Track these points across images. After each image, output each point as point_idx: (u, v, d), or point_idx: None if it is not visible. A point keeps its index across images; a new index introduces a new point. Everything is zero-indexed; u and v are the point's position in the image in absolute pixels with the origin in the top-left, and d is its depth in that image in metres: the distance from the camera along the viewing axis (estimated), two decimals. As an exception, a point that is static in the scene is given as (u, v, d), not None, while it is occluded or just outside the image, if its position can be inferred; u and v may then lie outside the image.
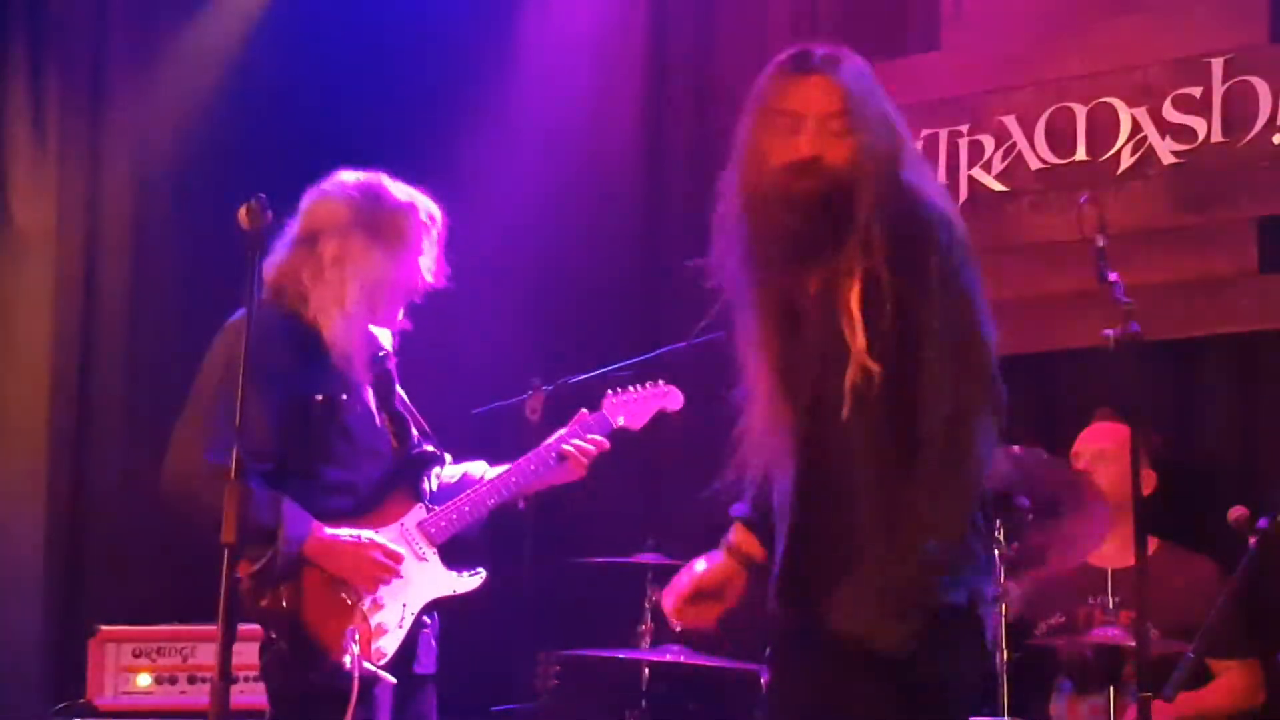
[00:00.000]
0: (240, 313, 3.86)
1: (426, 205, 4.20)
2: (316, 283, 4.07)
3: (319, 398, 3.99)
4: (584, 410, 4.39)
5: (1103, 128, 5.67)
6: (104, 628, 5.56)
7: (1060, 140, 5.74)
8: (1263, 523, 3.94)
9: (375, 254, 4.07)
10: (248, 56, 6.99)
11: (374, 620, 3.97)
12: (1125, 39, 5.68)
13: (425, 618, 4.10)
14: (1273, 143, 5.37)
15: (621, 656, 5.37)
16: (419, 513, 4.13)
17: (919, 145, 5.90)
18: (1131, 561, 4.78)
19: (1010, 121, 5.83)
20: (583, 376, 4.79)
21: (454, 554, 4.16)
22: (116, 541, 6.53)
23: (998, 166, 5.84)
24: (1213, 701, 4.86)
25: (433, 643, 4.15)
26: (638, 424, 4.45)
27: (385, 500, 4.10)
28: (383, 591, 4.00)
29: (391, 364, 4.24)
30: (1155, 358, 4.59)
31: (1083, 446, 5.14)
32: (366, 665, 3.86)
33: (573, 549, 5.85)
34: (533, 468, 4.25)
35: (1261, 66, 5.42)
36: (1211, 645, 3.71)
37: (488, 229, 6.96)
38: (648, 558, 5.46)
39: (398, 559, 4.02)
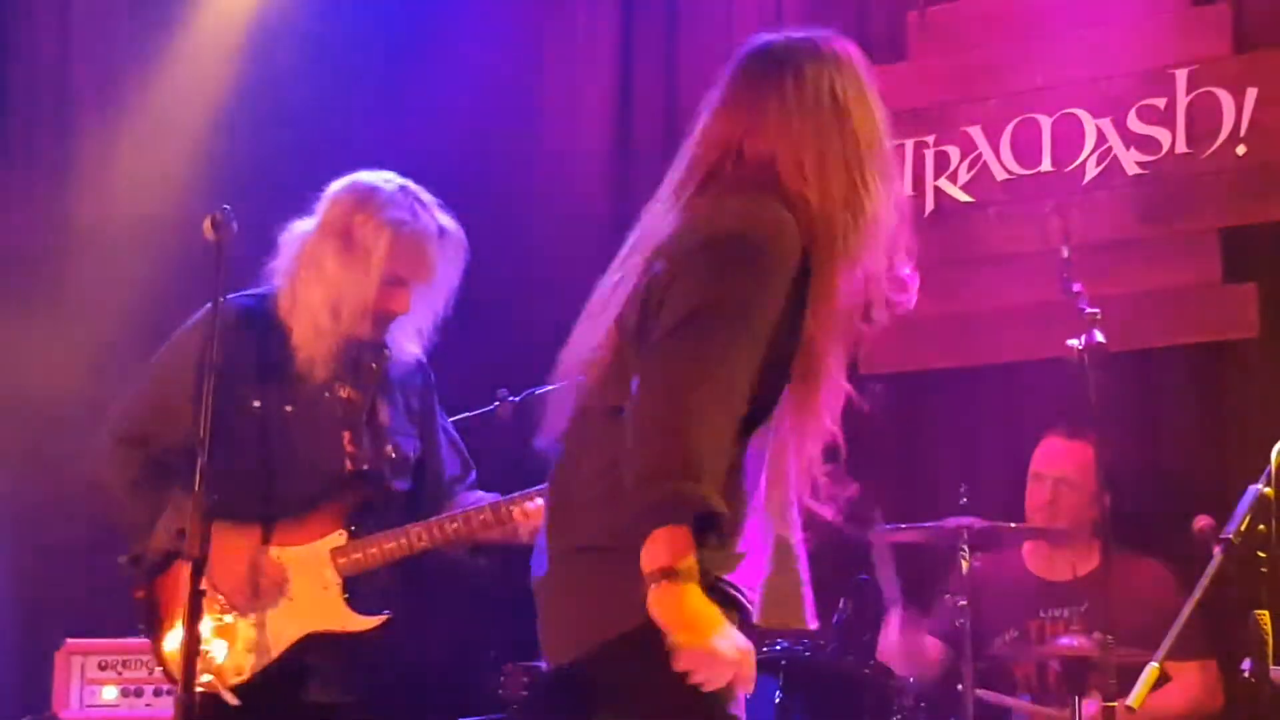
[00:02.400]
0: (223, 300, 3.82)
1: (417, 228, 4.00)
2: (295, 281, 4.02)
3: (256, 404, 3.92)
4: None
5: (1068, 139, 5.69)
6: (70, 640, 5.54)
7: (1026, 151, 5.76)
8: (1226, 532, 3.96)
9: (338, 264, 3.95)
10: (221, 68, 6.98)
11: (246, 636, 3.85)
12: (1090, 50, 5.70)
13: (314, 649, 3.89)
14: (1236, 154, 5.40)
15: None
16: (337, 539, 3.94)
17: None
18: (1082, 572, 4.84)
19: (976, 132, 5.85)
20: (551, 388, 4.79)
21: (363, 590, 3.95)
22: (83, 553, 6.50)
23: (963, 177, 5.86)
24: (1170, 704, 4.86)
25: (353, 669, 3.98)
26: None
27: (310, 517, 3.95)
28: (269, 611, 3.86)
29: (395, 374, 4.12)
30: (1119, 368, 4.61)
31: (1044, 469, 5.13)
32: (204, 678, 3.71)
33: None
34: (476, 522, 3.99)
35: (1225, 78, 5.45)
36: (1170, 650, 3.72)
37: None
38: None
39: (278, 582, 3.87)
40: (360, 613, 3.92)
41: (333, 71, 7.04)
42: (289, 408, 3.94)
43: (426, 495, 4.15)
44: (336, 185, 4.07)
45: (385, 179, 4.05)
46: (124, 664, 5.43)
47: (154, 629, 3.94)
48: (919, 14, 6.04)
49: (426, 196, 4.07)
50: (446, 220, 4.07)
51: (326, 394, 4.00)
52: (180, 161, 6.87)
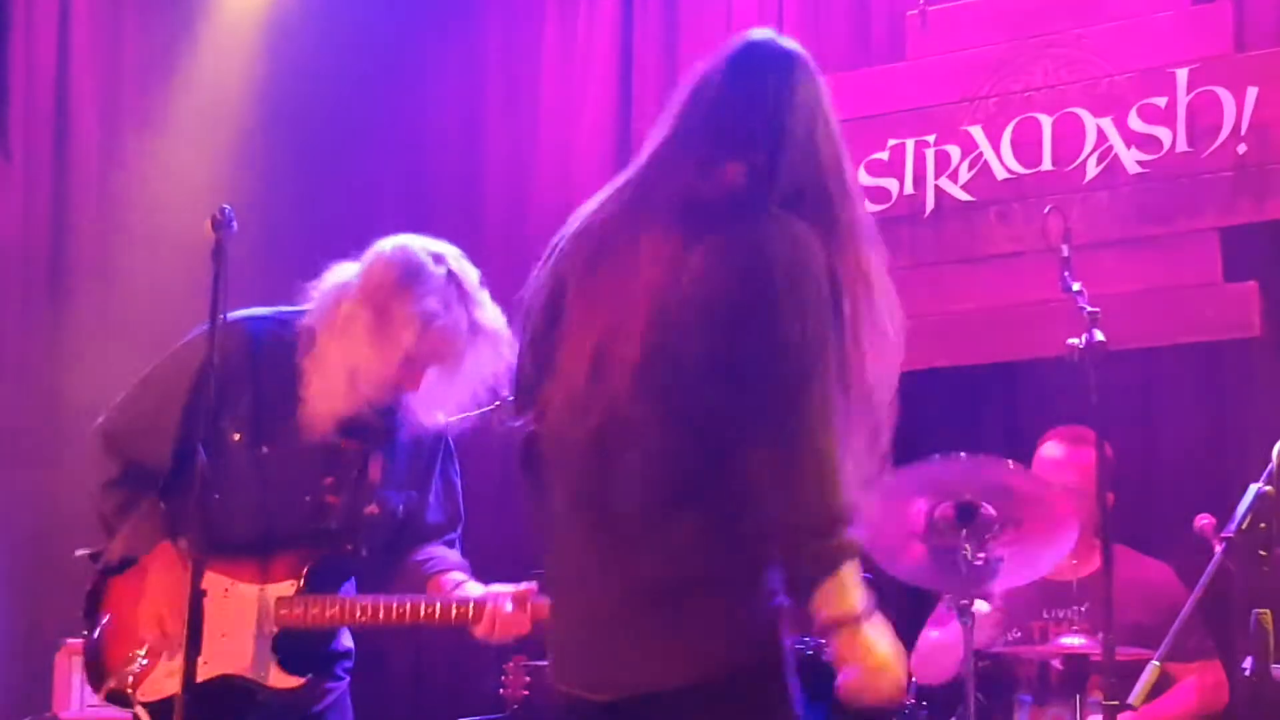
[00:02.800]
0: (234, 319, 3.87)
1: (447, 323, 3.90)
2: (322, 330, 3.95)
3: (235, 437, 3.88)
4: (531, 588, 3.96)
5: (1068, 138, 5.69)
6: (69, 641, 5.54)
7: (1026, 150, 5.76)
8: (1228, 531, 3.96)
9: (367, 337, 3.87)
10: (218, 66, 6.98)
11: (170, 662, 3.82)
12: (1091, 49, 5.71)
13: (232, 691, 3.84)
14: (1237, 153, 5.40)
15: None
16: (287, 589, 3.89)
17: (886, 155, 5.96)
18: (1084, 573, 4.83)
19: (976, 131, 5.85)
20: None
21: (297, 647, 3.89)
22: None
23: (964, 177, 5.86)
24: (1176, 709, 4.86)
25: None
26: None
27: (269, 557, 3.90)
28: (206, 641, 3.72)
29: (403, 434, 4.03)
30: (1120, 367, 4.61)
31: (1049, 476, 5.12)
32: (127, 690, 3.80)
33: (540, 560, 5.85)
34: (424, 614, 3.90)
35: (1226, 77, 5.45)
36: (1172, 649, 3.72)
37: (455, 236, 6.99)
38: (616, 568, 5.45)
39: (219, 615, 3.80)
40: (285, 670, 3.87)
41: (337, 73, 7.06)
42: (265, 449, 3.89)
43: (404, 540, 4.08)
44: (388, 247, 3.97)
45: (436, 258, 3.95)
46: (124, 664, 5.42)
47: (90, 625, 3.95)
48: (919, 13, 6.04)
49: (472, 282, 3.97)
50: (486, 315, 3.95)
51: (320, 440, 3.93)
52: (187, 161, 6.89)
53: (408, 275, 3.91)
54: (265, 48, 7.03)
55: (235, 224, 3.56)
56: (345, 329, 3.89)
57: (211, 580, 3.71)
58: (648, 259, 2.87)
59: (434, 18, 7.13)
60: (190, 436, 3.72)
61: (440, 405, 4.00)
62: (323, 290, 3.98)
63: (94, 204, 6.77)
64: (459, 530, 4.19)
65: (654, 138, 3.06)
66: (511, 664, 5.63)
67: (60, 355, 6.64)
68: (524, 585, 3.90)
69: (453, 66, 7.13)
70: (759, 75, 3.04)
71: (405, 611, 3.88)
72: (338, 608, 3.88)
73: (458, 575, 4.02)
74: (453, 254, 3.99)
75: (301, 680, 3.85)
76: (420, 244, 3.97)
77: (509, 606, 3.87)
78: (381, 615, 3.87)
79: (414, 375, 3.92)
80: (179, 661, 3.56)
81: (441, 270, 3.93)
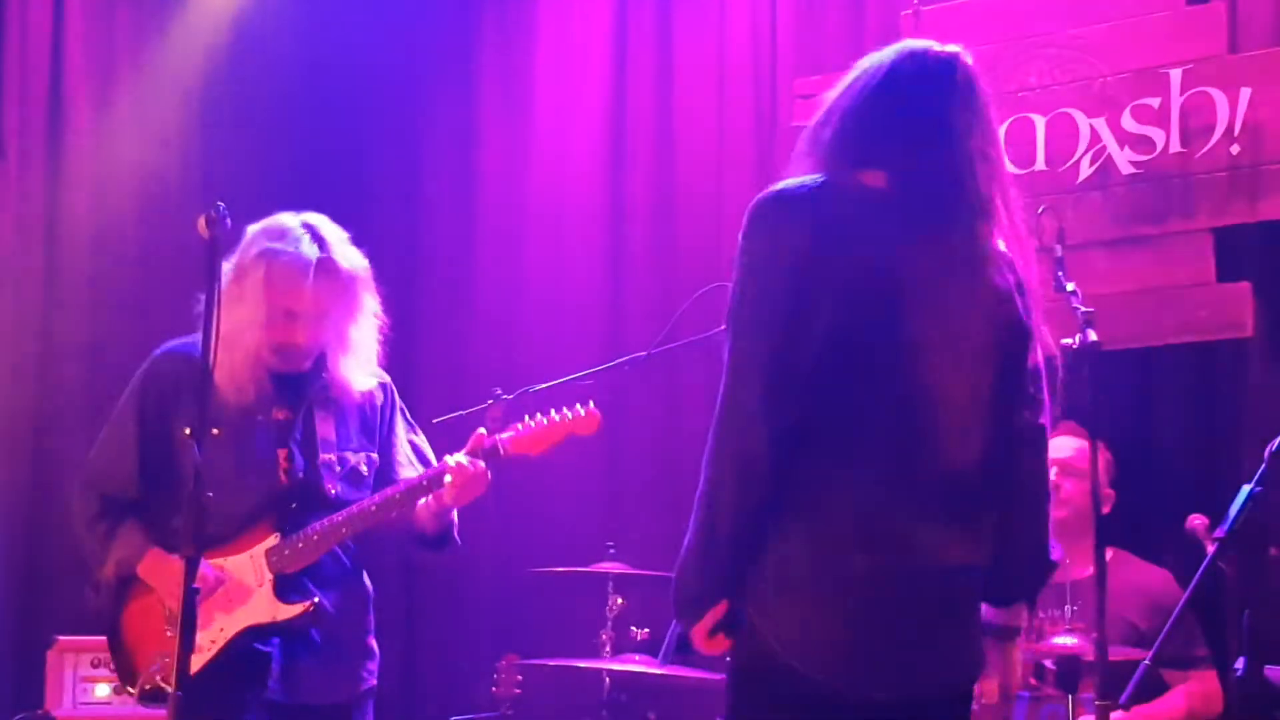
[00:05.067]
0: (163, 349, 4.18)
1: (288, 259, 4.04)
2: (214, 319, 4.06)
3: (186, 431, 3.97)
4: (480, 432, 4.23)
5: (1062, 138, 5.70)
6: (62, 638, 5.53)
7: (1020, 150, 5.75)
8: (1220, 531, 3.96)
9: (234, 298, 3.99)
10: (211, 67, 6.98)
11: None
12: (1084, 49, 5.70)
13: (258, 644, 4.09)
14: (1230, 153, 5.40)
15: (583, 665, 5.37)
16: (271, 541, 4.11)
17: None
18: (1083, 573, 4.83)
19: (970, 131, 5.84)
20: (544, 385, 4.79)
21: (293, 582, 4.12)
22: (75, 551, 6.49)
23: (958, 176, 5.85)
24: (1163, 712, 4.87)
25: (317, 672, 4.14)
26: (537, 450, 4.24)
27: (247, 529, 4.12)
28: (213, 613, 4.03)
29: (343, 397, 4.22)
30: (1113, 367, 4.61)
31: (1052, 460, 5.14)
32: (159, 683, 3.99)
33: (534, 558, 5.86)
34: (397, 494, 4.15)
35: (1219, 77, 5.45)
36: (1167, 657, 3.73)
37: (449, 238, 7.00)
38: (609, 566, 5.46)
39: (216, 588, 4.04)
40: (290, 603, 4.09)
41: (333, 77, 7.07)
42: (215, 430, 4.02)
43: None
44: (252, 225, 4.17)
45: (295, 215, 4.14)
46: (117, 662, 5.42)
47: (117, 646, 4.21)
48: (913, 13, 6.04)
49: (331, 231, 4.12)
50: (341, 251, 4.11)
51: (260, 417, 4.14)
52: (171, 154, 6.89)
53: (259, 232, 4.11)
54: (265, 47, 7.02)
55: (230, 222, 3.57)
56: (227, 304, 3.89)
57: (205, 567, 3.90)
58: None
59: (429, 19, 7.12)
60: (148, 458, 4.08)
61: (356, 348, 4.16)
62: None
63: (87, 203, 6.75)
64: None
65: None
66: (504, 663, 5.64)
67: (52, 353, 6.63)
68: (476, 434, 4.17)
69: (447, 69, 7.13)
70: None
71: (373, 507, 4.11)
72: (317, 535, 4.10)
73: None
74: (316, 216, 4.15)
75: (306, 604, 4.08)
76: (283, 214, 4.15)
77: (465, 460, 4.10)
78: (356, 520, 4.11)
79: (293, 327, 4.06)
80: (202, 640, 3.87)
81: (295, 219, 4.10)
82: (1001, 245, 3.09)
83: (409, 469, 4.31)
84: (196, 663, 3.85)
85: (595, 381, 4.76)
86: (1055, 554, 3.08)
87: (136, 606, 4.12)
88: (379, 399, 4.31)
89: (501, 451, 4.18)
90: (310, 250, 4.05)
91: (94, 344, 6.67)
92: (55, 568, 6.44)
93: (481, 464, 4.13)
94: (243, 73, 7.02)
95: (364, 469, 4.24)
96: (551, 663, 5.43)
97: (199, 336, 3.99)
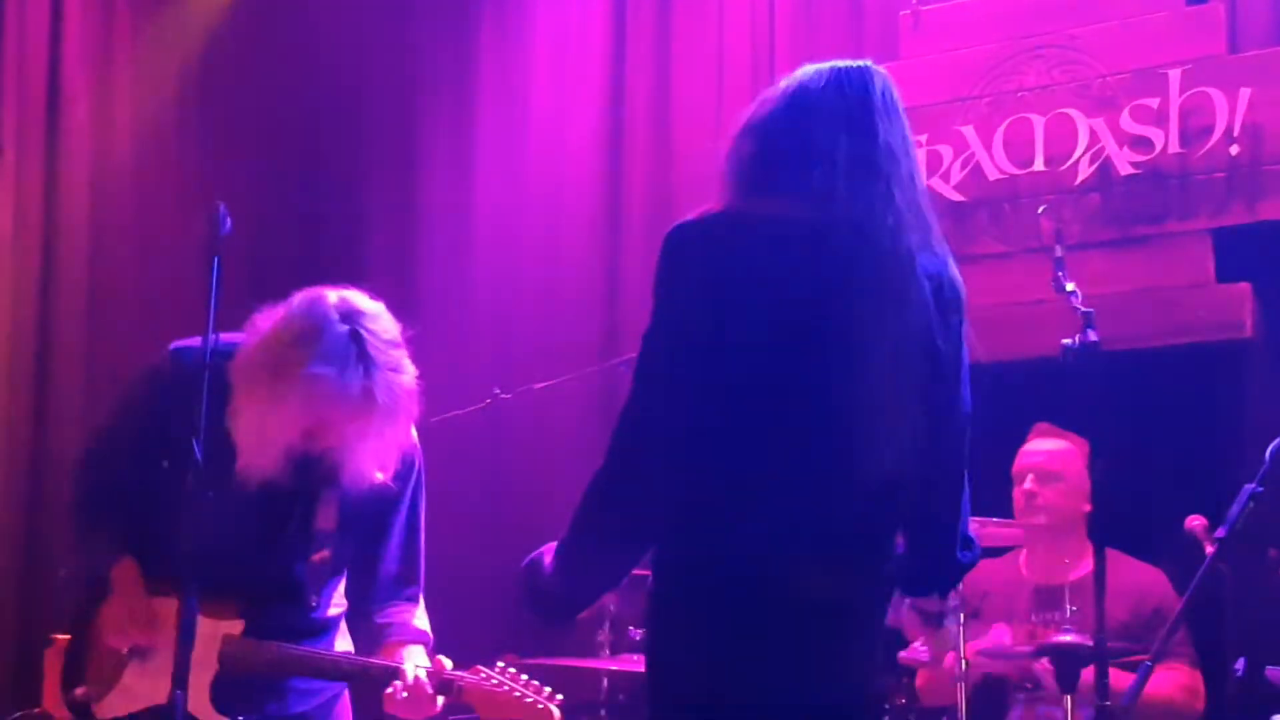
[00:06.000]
0: (172, 349, 3.85)
1: (333, 389, 3.67)
2: (236, 387, 3.77)
3: (165, 465, 3.72)
4: (442, 660, 3.91)
5: (1061, 138, 5.70)
6: (59, 637, 5.52)
7: (1019, 151, 5.76)
8: (1220, 532, 3.96)
9: (267, 394, 3.70)
10: (209, 64, 6.98)
11: (128, 681, 3.86)
12: (1084, 50, 5.71)
13: None
14: (1229, 154, 5.41)
15: (581, 665, 5.37)
16: (233, 627, 3.81)
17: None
18: (1074, 576, 4.84)
19: (969, 132, 5.85)
20: (542, 385, 4.79)
21: (233, 689, 3.81)
22: (73, 550, 6.49)
23: (956, 176, 5.86)
24: (1156, 692, 4.86)
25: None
26: (486, 713, 3.91)
27: (213, 597, 3.72)
28: (149, 664, 3.80)
29: (348, 479, 3.82)
30: (1112, 368, 4.61)
31: (1025, 465, 5.15)
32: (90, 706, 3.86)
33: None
34: (362, 667, 3.88)
35: (1219, 78, 5.45)
36: (1151, 649, 3.73)
37: (446, 236, 6.99)
38: (607, 566, 5.45)
39: (135, 637, 3.83)
40: (218, 709, 3.79)
41: (331, 75, 7.07)
42: (211, 494, 3.58)
43: (360, 589, 4.00)
44: (298, 299, 3.79)
45: (344, 315, 3.72)
46: (114, 661, 5.41)
47: (74, 646, 4.00)
48: (912, 13, 6.04)
49: (378, 345, 3.72)
50: (386, 378, 3.72)
51: (261, 479, 3.77)
52: (170, 151, 6.90)
53: (305, 333, 3.71)
54: (261, 42, 7.03)
55: (230, 222, 3.55)
56: (250, 386, 3.73)
57: (170, 608, 3.65)
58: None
59: (426, 16, 7.12)
60: (143, 460, 3.79)
61: (370, 456, 3.80)
62: (250, 331, 3.82)
63: (86, 200, 6.76)
64: (420, 584, 4.05)
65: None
66: (502, 662, 5.62)
67: (50, 351, 6.63)
68: (440, 660, 3.88)
69: (444, 65, 7.12)
70: None
71: (330, 665, 3.87)
72: (279, 657, 3.82)
73: (415, 650, 3.92)
74: (369, 312, 3.74)
75: None
76: (335, 299, 3.74)
77: (423, 676, 3.80)
78: (311, 668, 3.86)
79: (328, 435, 3.74)
80: (134, 680, 3.77)
81: (343, 330, 3.70)
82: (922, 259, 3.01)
83: (392, 564, 3.99)
84: (125, 708, 3.81)
85: (592, 381, 4.76)
86: (967, 556, 3.04)
87: (108, 614, 3.87)
88: (394, 487, 3.94)
89: (455, 692, 3.88)
90: (354, 377, 3.67)
91: (92, 342, 6.68)
92: (53, 567, 6.45)
93: (430, 692, 3.82)
94: (241, 68, 7.02)
95: (354, 558, 3.97)
96: (550, 663, 5.42)
97: (223, 344, 3.74)
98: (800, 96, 3.02)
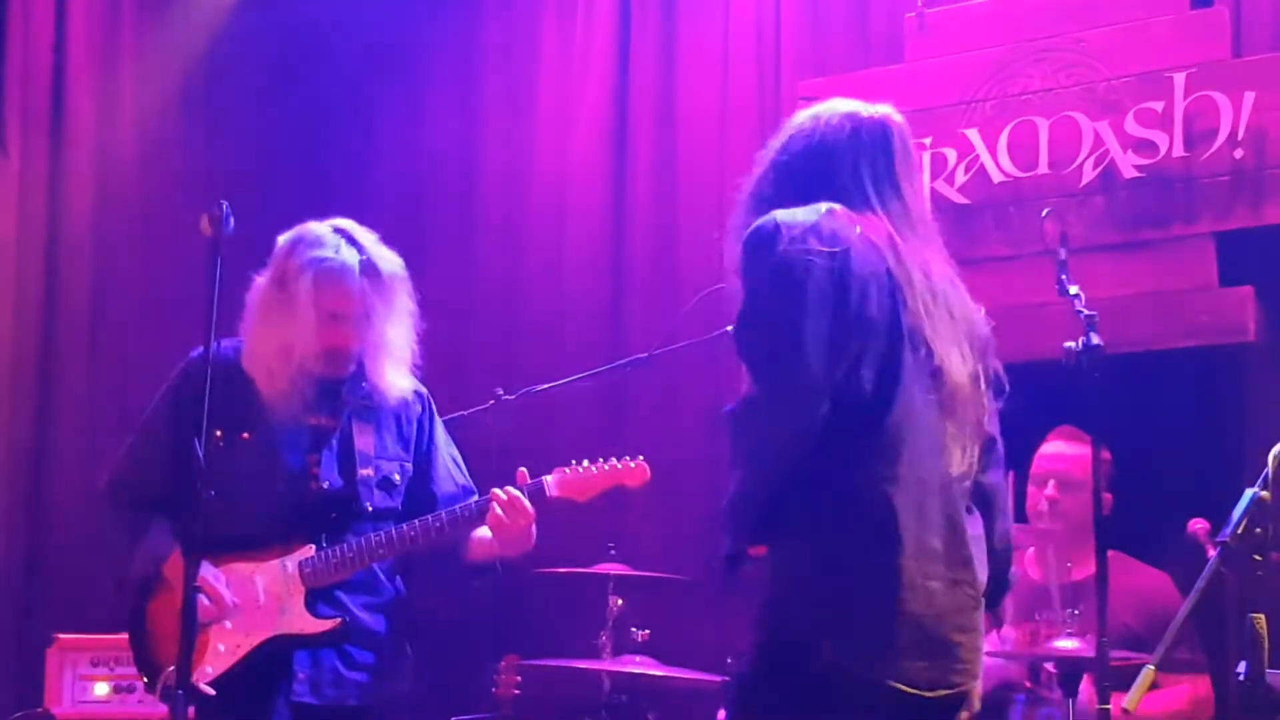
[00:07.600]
0: (198, 351, 4.07)
1: (334, 263, 4.15)
2: (250, 335, 4.21)
3: (218, 433, 4.04)
4: (523, 470, 4.27)
5: (1065, 141, 5.69)
6: (61, 636, 5.53)
7: (1023, 154, 5.76)
8: (1222, 535, 3.95)
9: (279, 310, 4.14)
10: (212, 65, 6.99)
11: (218, 640, 4.08)
12: (1088, 53, 5.70)
13: (284, 650, 4.12)
14: (1233, 157, 5.40)
15: (583, 666, 5.37)
16: (306, 553, 4.14)
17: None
18: (1078, 577, 4.84)
19: (973, 134, 5.84)
20: (546, 386, 4.79)
21: (325, 597, 4.15)
22: (74, 550, 6.49)
23: (960, 179, 5.86)
24: (1167, 706, 4.87)
25: (346, 675, 4.16)
26: (584, 497, 4.32)
27: (282, 537, 4.15)
28: (233, 619, 4.08)
29: (383, 404, 4.27)
30: (1116, 371, 4.61)
31: (1048, 470, 5.15)
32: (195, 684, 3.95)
33: (534, 558, 5.84)
34: (440, 523, 4.18)
35: (1223, 81, 5.44)
36: (1164, 661, 3.72)
37: (450, 238, 6.99)
38: (609, 567, 5.46)
39: (247, 593, 4.09)
40: (319, 617, 4.12)
41: (335, 75, 7.07)
42: (245, 434, 4.12)
43: (418, 515, 4.25)
44: (282, 236, 4.25)
45: (323, 223, 4.22)
46: (116, 660, 5.43)
47: (140, 644, 4.21)
48: (917, 16, 6.04)
49: (364, 236, 4.22)
50: (378, 253, 4.21)
51: (296, 423, 4.18)
52: (174, 150, 6.90)
53: (295, 239, 4.19)
54: (267, 42, 7.03)
55: (232, 221, 3.57)
56: (264, 315, 4.14)
57: (237, 569, 4.07)
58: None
59: (431, 20, 7.12)
60: (180, 459, 3.93)
61: (394, 351, 4.22)
62: (246, 308, 4.23)
63: (90, 198, 6.76)
64: (474, 501, 4.30)
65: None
66: (504, 663, 5.63)
67: (53, 350, 6.63)
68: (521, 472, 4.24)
69: (449, 69, 7.12)
70: None
71: (415, 534, 4.14)
72: (353, 553, 4.13)
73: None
74: (345, 221, 4.23)
75: (335, 621, 4.11)
76: (312, 222, 4.23)
77: (513, 490, 4.15)
78: (395, 544, 4.14)
79: (339, 330, 4.13)
80: (226, 637, 4.03)
81: (326, 226, 4.19)
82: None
83: (448, 483, 4.35)
84: (222, 665, 4.05)
85: (596, 382, 4.76)
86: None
87: (160, 604, 4.12)
88: (416, 410, 4.35)
89: (547, 492, 4.23)
90: (350, 254, 4.14)
91: (95, 340, 6.68)
92: (55, 566, 6.45)
93: (526, 502, 4.18)
94: (246, 68, 7.03)
95: (397, 477, 4.28)
96: (551, 663, 5.42)
97: (234, 340, 4.20)
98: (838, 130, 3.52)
